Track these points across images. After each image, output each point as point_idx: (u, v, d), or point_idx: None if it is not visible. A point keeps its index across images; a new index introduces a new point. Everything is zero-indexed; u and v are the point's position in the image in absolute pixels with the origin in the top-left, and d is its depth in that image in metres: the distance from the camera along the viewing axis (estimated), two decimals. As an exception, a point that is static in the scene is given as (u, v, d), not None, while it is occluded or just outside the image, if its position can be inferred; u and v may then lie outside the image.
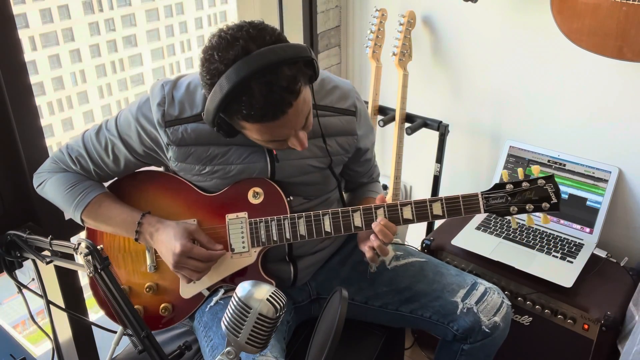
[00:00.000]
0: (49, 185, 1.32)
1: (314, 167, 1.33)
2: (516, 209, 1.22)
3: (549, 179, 1.21)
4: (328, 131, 1.30)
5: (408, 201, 1.24)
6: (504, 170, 1.26)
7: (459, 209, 1.23)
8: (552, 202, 1.21)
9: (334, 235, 1.26)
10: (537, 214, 1.23)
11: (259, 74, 1.02)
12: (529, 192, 1.22)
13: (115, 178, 1.37)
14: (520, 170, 1.24)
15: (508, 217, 1.26)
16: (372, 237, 1.24)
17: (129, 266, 1.36)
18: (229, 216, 1.29)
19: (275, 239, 1.27)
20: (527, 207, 1.22)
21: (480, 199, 1.22)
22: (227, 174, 1.27)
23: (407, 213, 1.24)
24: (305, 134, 1.16)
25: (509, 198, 1.22)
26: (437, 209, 1.23)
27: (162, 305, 1.35)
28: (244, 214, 1.28)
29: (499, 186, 1.23)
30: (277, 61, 1.03)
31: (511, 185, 1.22)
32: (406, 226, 2.39)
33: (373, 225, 1.23)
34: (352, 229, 1.25)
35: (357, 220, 1.25)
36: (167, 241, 1.23)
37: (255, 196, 1.29)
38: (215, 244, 1.27)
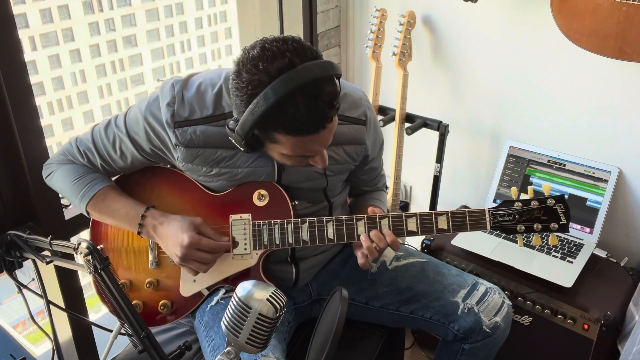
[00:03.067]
0: (56, 176, 1.33)
1: (320, 174, 1.32)
2: (523, 227, 1.19)
3: (560, 199, 1.18)
4: (337, 140, 1.25)
5: (413, 213, 1.22)
6: (514, 188, 1.23)
7: (465, 224, 1.21)
8: (561, 222, 1.17)
9: (336, 243, 1.26)
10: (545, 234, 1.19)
11: (305, 87, 1.02)
12: (537, 211, 1.18)
13: (122, 173, 1.37)
14: (530, 189, 1.20)
15: (515, 235, 1.23)
16: (362, 237, 1.23)
17: (131, 261, 1.36)
18: (233, 217, 1.29)
19: (277, 242, 1.26)
20: (534, 227, 1.18)
21: (487, 216, 1.20)
22: (234, 176, 1.27)
23: (412, 225, 1.22)
24: (326, 152, 1.17)
25: (517, 216, 1.19)
26: (442, 222, 1.21)
27: (162, 301, 1.35)
28: (247, 216, 1.28)
29: (507, 203, 1.20)
30: (322, 76, 1.03)
31: (520, 204, 1.19)
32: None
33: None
34: (355, 238, 1.24)
35: (361, 229, 1.23)
36: (174, 234, 1.23)
37: (260, 198, 1.28)
38: (221, 236, 1.26)
